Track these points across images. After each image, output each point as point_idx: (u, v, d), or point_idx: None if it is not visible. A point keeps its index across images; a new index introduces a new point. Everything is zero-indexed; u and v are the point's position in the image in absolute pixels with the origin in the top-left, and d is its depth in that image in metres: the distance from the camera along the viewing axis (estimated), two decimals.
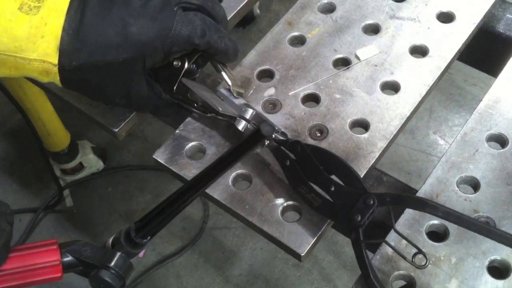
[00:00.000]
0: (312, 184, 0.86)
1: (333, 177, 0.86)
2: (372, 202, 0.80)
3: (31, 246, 0.85)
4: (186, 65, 0.92)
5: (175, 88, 0.93)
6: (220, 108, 0.91)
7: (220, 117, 0.94)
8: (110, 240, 0.86)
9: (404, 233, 0.86)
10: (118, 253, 0.84)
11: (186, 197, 0.81)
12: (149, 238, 0.85)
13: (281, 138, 0.90)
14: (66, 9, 0.79)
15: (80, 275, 0.85)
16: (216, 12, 0.91)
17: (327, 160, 0.86)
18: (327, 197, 0.85)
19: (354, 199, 0.82)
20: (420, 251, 0.78)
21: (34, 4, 0.78)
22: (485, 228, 0.77)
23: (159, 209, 0.82)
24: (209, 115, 0.95)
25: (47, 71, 0.82)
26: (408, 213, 0.88)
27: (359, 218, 0.81)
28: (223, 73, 0.95)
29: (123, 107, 0.96)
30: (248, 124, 0.92)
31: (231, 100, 0.95)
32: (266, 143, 0.90)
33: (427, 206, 0.79)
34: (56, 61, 0.80)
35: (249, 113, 0.93)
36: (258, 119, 0.93)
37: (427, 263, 0.78)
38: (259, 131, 0.72)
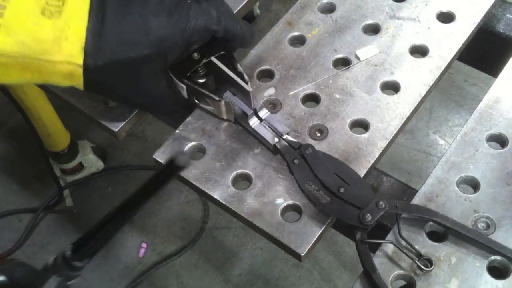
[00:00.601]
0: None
1: None
2: (384, 206, 0.85)
3: None
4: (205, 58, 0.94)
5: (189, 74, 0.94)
6: (251, 89, 0.92)
7: (237, 108, 0.94)
8: (51, 260, 0.81)
9: (405, 233, 0.86)
10: (53, 277, 0.79)
11: (118, 220, 0.78)
12: (86, 261, 0.80)
13: (292, 139, 0.92)
14: (87, 11, 0.80)
15: None
16: None
17: (336, 166, 0.90)
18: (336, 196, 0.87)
19: (364, 201, 0.85)
20: (422, 256, 0.83)
21: (55, 9, 0.79)
22: (489, 240, 0.83)
23: (93, 231, 0.79)
24: (223, 102, 0.95)
25: (71, 73, 0.82)
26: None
27: (369, 218, 0.84)
28: (238, 65, 0.95)
29: (142, 108, 0.98)
30: (260, 123, 0.94)
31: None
32: (276, 140, 0.92)
33: (436, 216, 0.85)
34: (81, 61, 0.81)
35: (263, 112, 0.95)
36: (270, 119, 0.94)
37: (433, 267, 0.82)
38: (173, 163, 0.70)
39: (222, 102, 0.94)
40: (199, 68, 0.94)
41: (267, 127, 0.94)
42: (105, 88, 0.88)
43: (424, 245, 0.85)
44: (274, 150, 0.93)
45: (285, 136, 0.93)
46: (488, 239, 0.84)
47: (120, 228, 0.79)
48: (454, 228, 0.85)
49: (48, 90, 1.06)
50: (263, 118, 0.94)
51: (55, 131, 2.22)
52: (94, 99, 1.03)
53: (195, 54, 0.93)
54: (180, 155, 0.70)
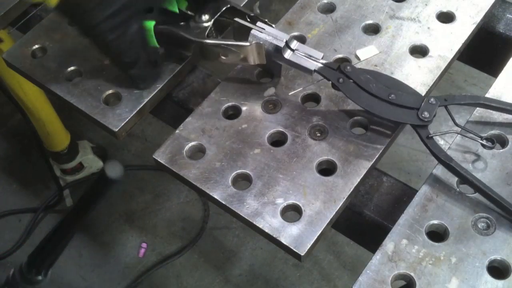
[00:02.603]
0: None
1: None
2: (435, 102, 0.92)
3: None
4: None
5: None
6: (273, 25, 0.95)
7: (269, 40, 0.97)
8: (11, 272, 0.82)
9: (405, 233, 0.86)
10: None
11: (60, 235, 0.78)
12: (43, 273, 0.80)
13: (328, 61, 0.96)
14: None
15: None
16: None
17: (378, 78, 0.95)
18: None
19: (416, 102, 0.92)
20: (483, 137, 0.92)
21: None
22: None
23: (43, 243, 0.79)
24: (253, 44, 0.96)
25: None
26: (408, 213, 0.88)
27: (427, 115, 0.91)
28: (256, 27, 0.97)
29: (104, 46, 0.94)
30: (293, 53, 0.97)
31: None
32: (316, 68, 0.95)
33: (480, 99, 0.94)
34: None
35: (294, 43, 0.97)
36: (302, 48, 0.97)
37: (495, 145, 0.92)
38: (104, 175, 0.69)
39: (253, 45, 0.96)
40: (210, 31, 0.98)
41: (301, 55, 0.97)
42: (76, 11, 0.86)
43: (424, 245, 0.85)
44: (315, 75, 0.96)
45: (321, 60, 0.96)
46: None
47: (68, 241, 0.78)
48: (501, 107, 0.93)
49: (48, 90, 1.06)
50: (294, 48, 0.97)
51: (55, 131, 2.22)
52: (94, 99, 1.03)
53: (204, 17, 0.97)
54: (112, 166, 0.68)
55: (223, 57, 0.98)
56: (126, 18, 0.89)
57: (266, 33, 0.97)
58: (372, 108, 0.93)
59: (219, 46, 0.97)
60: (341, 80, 0.94)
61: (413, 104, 0.92)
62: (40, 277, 0.80)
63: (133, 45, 0.92)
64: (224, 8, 1.00)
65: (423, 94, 0.98)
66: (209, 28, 0.98)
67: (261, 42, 0.96)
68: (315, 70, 0.95)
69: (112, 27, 0.89)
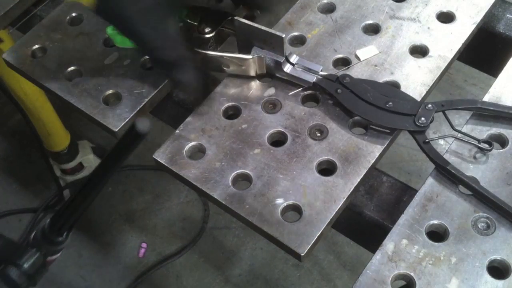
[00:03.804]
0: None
1: None
2: (432, 107, 0.94)
3: None
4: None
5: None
6: (283, 35, 0.96)
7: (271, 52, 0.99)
8: (33, 233, 0.81)
9: (405, 233, 0.87)
10: (32, 250, 0.78)
11: (87, 192, 0.77)
12: (65, 235, 0.79)
13: (328, 74, 0.99)
14: None
15: None
16: None
17: (376, 88, 0.97)
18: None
19: (413, 108, 0.94)
20: (481, 140, 0.92)
21: None
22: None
23: (67, 203, 0.77)
24: (255, 57, 0.99)
25: None
26: (408, 213, 0.88)
27: (424, 120, 0.93)
28: (262, 27, 0.98)
29: (143, 44, 0.92)
30: (292, 67, 0.99)
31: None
32: (315, 79, 0.98)
33: (477, 103, 0.94)
34: None
35: (293, 57, 1.00)
36: (301, 62, 1.00)
37: (492, 147, 0.92)
38: (134, 128, 0.68)
39: (254, 58, 0.99)
40: (210, 42, 1.00)
41: (301, 69, 0.99)
42: (113, 5, 0.85)
43: (424, 245, 0.85)
44: (314, 87, 0.99)
45: (320, 72, 0.99)
46: None
47: (92, 201, 0.77)
48: (499, 110, 0.94)
49: (48, 90, 1.06)
50: (294, 62, 1.00)
51: (55, 131, 2.22)
52: (94, 99, 1.03)
53: (207, 28, 0.99)
54: (141, 121, 0.67)
55: (225, 68, 1.02)
56: (164, 15, 0.89)
57: (268, 48, 0.99)
58: (369, 116, 0.94)
59: (221, 57, 1.00)
60: (339, 90, 0.96)
61: (410, 111, 0.94)
62: (61, 238, 0.79)
63: (172, 45, 0.91)
64: (226, 19, 1.01)
65: (423, 94, 0.99)
66: (210, 41, 1.00)
67: (262, 56, 0.99)
68: (314, 83, 0.98)
69: (148, 23, 0.87)
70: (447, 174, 0.90)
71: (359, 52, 1.04)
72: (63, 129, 2.26)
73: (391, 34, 1.07)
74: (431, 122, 0.94)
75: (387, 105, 0.94)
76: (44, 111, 2.11)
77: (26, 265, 0.77)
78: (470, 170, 0.91)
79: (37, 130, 2.08)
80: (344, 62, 1.04)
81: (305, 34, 1.08)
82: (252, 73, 1.02)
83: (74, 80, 1.06)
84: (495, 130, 0.95)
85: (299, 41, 1.08)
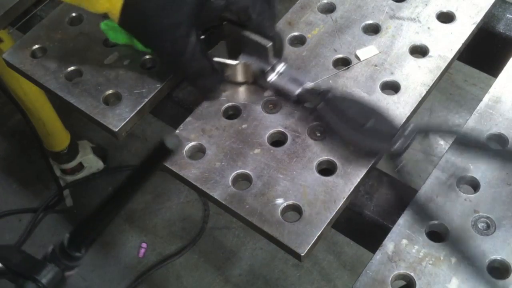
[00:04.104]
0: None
1: None
2: (411, 130, 0.90)
3: None
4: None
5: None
6: (268, 44, 0.94)
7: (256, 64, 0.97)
8: (50, 248, 0.81)
9: (405, 233, 0.86)
10: (50, 265, 0.78)
11: (110, 208, 0.76)
12: (83, 251, 0.79)
13: (312, 86, 0.96)
14: None
15: (11, 282, 0.80)
16: (272, 2, 0.95)
17: (358, 106, 0.94)
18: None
19: (392, 130, 0.90)
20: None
21: None
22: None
23: (88, 220, 0.77)
24: (241, 63, 0.97)
25: None
26: (408, 213, 0.88)
27: (401, 143, 0.89)
28: (249, 34, 0.97)
29: (167, 58, 0.95)
30: (276, 76, 0.98)
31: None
32: (298, 91, 0.96)
33: (452, 131, 0.92)
34: None
35: (280, 66, 0.98)
36: (288, 72, 0.98)
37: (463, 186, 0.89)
38: (163, 145, 0.67)
39: (240, 64, 0.98)
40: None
41: (286, 79, 0.98)
42: (140, 17, 0.87)
43: (424, 245, 0.85)
44: (297, 99, 0.96)
45: (305, 85, 0.96)
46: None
47: (114, 217, 0.77)
48: (466, 140, 0.92)
49: (48, 90, 1.06)
50: (280, 72, 0.98)
51: (55, 131, 2.22)
52: (94, 99, 1.03)
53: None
54: (171, 138, 0.67)
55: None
56: (188, 30, 0.90)
57: (256, 55, 0.97)
58: (346, 135, 0.91)
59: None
60: (321, 105, 0.94)
61: (387, 134, 0.90)
62: (79, 254, 0.79)
63: (194, 57, 0.92)
64: (217, 23, 0.99)
65: (423, 95, 0.99)
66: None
67: (248, 63, 0.98)
68: (297, 95, 0.96)
69: (173, 38, 0.90)
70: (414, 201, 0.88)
71: (359, 52, 1.04)
72: (63, 129, 2.26)
73: (391, 34, 1.07)
74: (409, 145, 0.90)
75: (366, 125, 0.91)
76: (44, 111, 2.11)
77: (44, 281, 0.77)
78: (470, 170, 0.91)
79: (37, 130, 2.08)
80: (344, 62, 1.04)
81: (305, 34, 1.08)
82: (239, 79, 1.00)
83: (74, 80, 1.06)
84: (495, 130, 0.95)
85: (299, 41, 1.08)
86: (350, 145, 0.91)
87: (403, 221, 0.88)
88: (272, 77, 0.98)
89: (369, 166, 0.92)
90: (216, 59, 0.98)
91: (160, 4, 0.86)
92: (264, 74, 0.98)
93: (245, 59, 0.98)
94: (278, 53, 0.99)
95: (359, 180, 0.91)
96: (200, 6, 0.88)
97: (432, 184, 0.91)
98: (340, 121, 0.92)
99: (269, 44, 0.94)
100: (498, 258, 0.84)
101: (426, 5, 1.09)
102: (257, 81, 1.00)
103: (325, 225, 0.87)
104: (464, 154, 0.93)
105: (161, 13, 0.87)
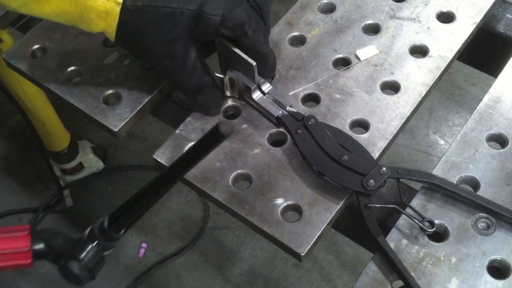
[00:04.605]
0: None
1: None
2: (386, 172, 0.87)
3: (2, 230, 0.82)
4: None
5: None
6: (254, 63, 0.93)
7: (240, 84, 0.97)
8: (87, 230, 0.83)
9: (405, 233, 0.86)
10: (90, 245, 0.81)
11: (156, 190, 0.77)
12: (123, 231, 0.81)
13: (295, 111, 0.95)
14: None
15: (52, 264, 0.83)
16: (267, 19, 0.95)
17: (338, 137, 0.92)
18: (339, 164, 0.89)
19: (367, 168, 0.88)
20: (425, 218, 0.85)
21: None
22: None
23: (132, 201, 0.78)
24: (227, 77, 0.97)
25: (107, 11, 0.83)
26: (408, 213, 0.88)
27: (373, 184, 0.87)
28: (237, 51, 0.96)
29: (165, 74, 0.95)
30: (263, 96, 0.97)
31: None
32: (280, 113, 0.94)
33: (435, 179, 0.88)
34: None
35: (266, 86, 0.98)
36: (273, 93, 0.97)
37: (434, 228, 0.85)
38: (217, 130, 0.68)
39: (226, 78, 0.97)
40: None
41: (270, 100, 0.97)
42: (135, 35, 0.87)
43: (424, 245, 0.85)
44: (277, 122, 0.95)
45: (288, 108, 0.95)
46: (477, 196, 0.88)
47: (157, 200, 0.77)
48: (452, 190, 0.88)
49: (48, 90, 1.06)
50: (266, 91, 0.97)
51: (55, 131, 2.22)
52: (94, 99, 1.03)
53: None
54: (224, 124, 0.68)
55: None
56: (185, 46, 0.89)
57: (244, 72, 0.97)
58: (319, 166, 0.89)
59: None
60: (299, 131, 0.92)
61: (362, 169, 0.88)
62: (118, 234, 0.81)
63: (194, 72, 0.92)
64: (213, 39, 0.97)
65: (423, 95, 0.99)
66: None
67: (235, 78, 0.97)
68: (277, 117, 0.95)
69: (170, 54, 0.89)
70: (376, 246, 0.85)
71: (359, 52, 1.05)
72: (63, 129, 2.26)
73: (391, 34, 1.07)
74: (380, 187, 0.87)
75: (341, 158, 0.89)
76: (44, 111, 2.11)
77: (86, 259, 0.80)
78: (470, 170, 0.91)
79: (37, 130, 2.07)
80: (344, 62, 1.04)
81: (305, 34, 1.08)
82: (226, 93, 1.00)
83: (74, 80, 1.06)
84: (495, 130, 0.95)
85: (299, 41, 1.08)
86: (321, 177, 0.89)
87: (403, 221, 0.88)
88: (257, 95, 0.97)
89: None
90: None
91: (155, 21, 0.86)
92: (249, 91, 0.97)
93: (233, 74, 0.98)
94: (271, 69, 0.99)
95: None
96: (195, 21, 0.88)
97: (432, 184, 0.91)
98: (315, 150, 0.90)
99: (254, 63, 0.93)
100: (498, 258, 0.84)
101: (426, 5, 1.09)
102: (242, 97, 1.00)
103: (325, 225, 0.87)
104: (464, 154, 0.93)
105: (155, 30, 0.87)
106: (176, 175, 0.75)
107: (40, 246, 0.82)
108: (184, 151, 0.73)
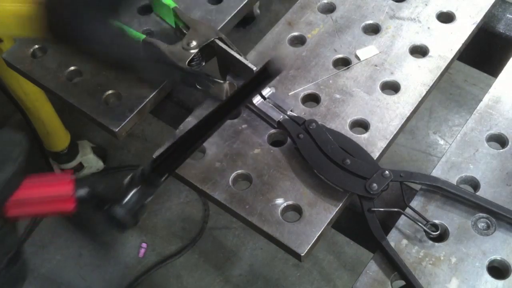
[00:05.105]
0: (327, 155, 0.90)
1: None
2: (388, 175, 0.87)
3: (46, 177, 0.84)
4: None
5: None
6: (255, 68, 0.93)
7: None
8: (128, 178, 0.84)
9: (405, 233, 0.87)
10: (133, 191, 0.81)
11: (199, 134, 0.77)
12: (165, 177, 0.82)
13: (296, 115, 0.94)
14: None
15: (93, 210, 0.83)
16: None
17: (339, 140, 0.91)
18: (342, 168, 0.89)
19: (369, 171, 0.88)
20: (429, 221, 0.85)
21: None
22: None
23: (175, 146, 0.79)
24: (226, 83, 0.97)
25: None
26: (409, 213, 0.88)
27: (376, 187, 0.86)
28: (237, 56, 0.96)
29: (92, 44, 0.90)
30: (263, 101, 0.97)
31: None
32: (281, 117, 0.94)
33: (438, 182, 0.88)
34: None
35: (267, 90, 0.97)
36: (273, 97, 0.97)
37: (439, 231, 0.85)
38: (266, 70, 0.67)
39: (226, 83, 0.97)
40: (195, 57, 0.97)
41: (271, 104, 0.96)
42: (62, 25, 0.85)
43: (424, 245, 0.85)
44: (278, 126, 0.95)
45: (289, 112, 0.95)
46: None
47: (202, 142, 0.78)
48: (456, 193, 0.88)
49: (48, 90, 1.06)
50: (266, 96, 0.97)
51: (55, 131, 2.22)
52: (94, 99, 1.03)
53: (192, 43, 0.96)
54: (274, 62, 0.67)
55: (198, 87, 0.99)
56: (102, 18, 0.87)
57: (243, 76, 0.96)
58: (321, 170, 0.89)
59: (197, 75, 0.98)
60: (301, 135, 0.92)
61: (364, 173, 0.88)
62: (159, 181, 0.82)
63: (114, 40, 0.89)
64: (212, 39, 0.98)
65: (423, 95, 0.99)
66: (192, 56, 0.97)
67: (234, 83, 0.97)
68: (278, 122, 0.94)
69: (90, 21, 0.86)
70: (377, 247, 0.85)
71: (359, 52, 1.05)
72: (63, 129, 2.26)
73: (391, 34, 1.07)
74: (383, 190, 0.87)
75: (344, 162, 0.89)
76: (44, 111, 2.11)
77: (130, 204, 0.81)
78: (470, 170, 0.91)
79: (37, 130, 2.08)
80: (344, 62, 1.04)
81: (305, 34, 1.08)
82: (224, 97, 0.99)
83: (74, 80, 1.06)
84: (495, 130, 0.95)
85: (299, 41, 1.08)
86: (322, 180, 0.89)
87: (403, 221, 0.88)
88: (257, 100, 0.97)
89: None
90: (205, 74, 0.97)
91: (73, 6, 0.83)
92: None
93: (232, 79, 0.98)
94: (276, 72, 0.98)
95: None
96: None
97: (432, 184, 0.91)
98: (317, 154, 0.90)
99: (255, 67, 0.93)
100: (498, 258, 0.84)
101: (426, 5, 1.09)
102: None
103: (325, 225, 0.87)
104: (464, 154, 0.93)
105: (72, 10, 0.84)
106: (222, 116, 0.75)
107: (82, 192, 0.82)
108: (234, 91, 0.73)
